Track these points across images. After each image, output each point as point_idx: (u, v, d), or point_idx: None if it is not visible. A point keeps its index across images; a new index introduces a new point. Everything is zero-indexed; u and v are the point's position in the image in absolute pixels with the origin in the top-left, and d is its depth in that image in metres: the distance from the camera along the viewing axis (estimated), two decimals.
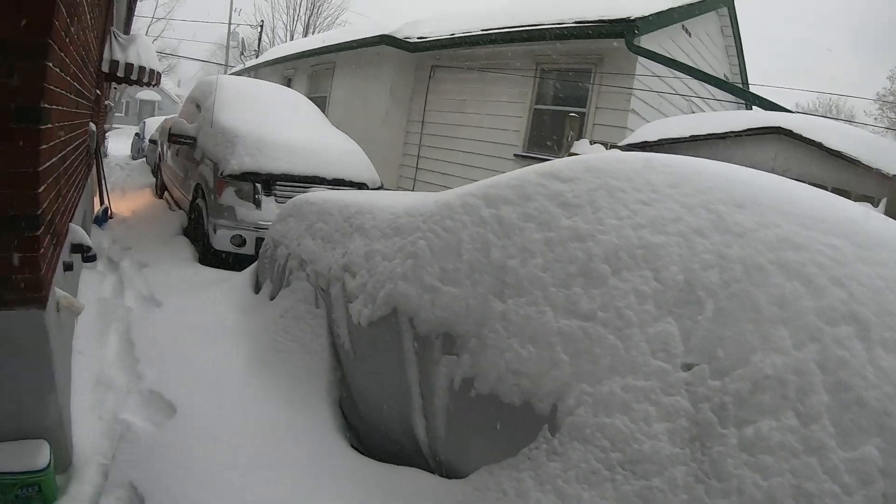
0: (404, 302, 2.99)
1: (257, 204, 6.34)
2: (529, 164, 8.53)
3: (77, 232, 3.98)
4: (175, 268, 6.11)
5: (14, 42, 2.20)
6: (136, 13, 13.64)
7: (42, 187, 2.43)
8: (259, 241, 6.24)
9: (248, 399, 3.51)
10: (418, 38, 11.13)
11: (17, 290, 2.42)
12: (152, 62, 9.50)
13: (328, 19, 36.33)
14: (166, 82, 46.13)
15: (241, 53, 25.46)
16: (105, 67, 8.74)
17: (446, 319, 2.72)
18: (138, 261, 6.31)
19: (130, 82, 9.83)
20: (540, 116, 9.69)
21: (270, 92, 8.77)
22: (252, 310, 4.64)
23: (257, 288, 5.07)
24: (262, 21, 30.32)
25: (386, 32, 11.14)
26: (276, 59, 17.20)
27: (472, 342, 2.57)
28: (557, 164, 2.98)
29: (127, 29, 12.62)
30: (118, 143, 23.46)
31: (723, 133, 7.08)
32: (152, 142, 15.73)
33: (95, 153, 8.32)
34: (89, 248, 4.05)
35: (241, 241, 6.31)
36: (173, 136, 7.53)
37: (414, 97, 11.93)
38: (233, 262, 6.39)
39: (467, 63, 10.67)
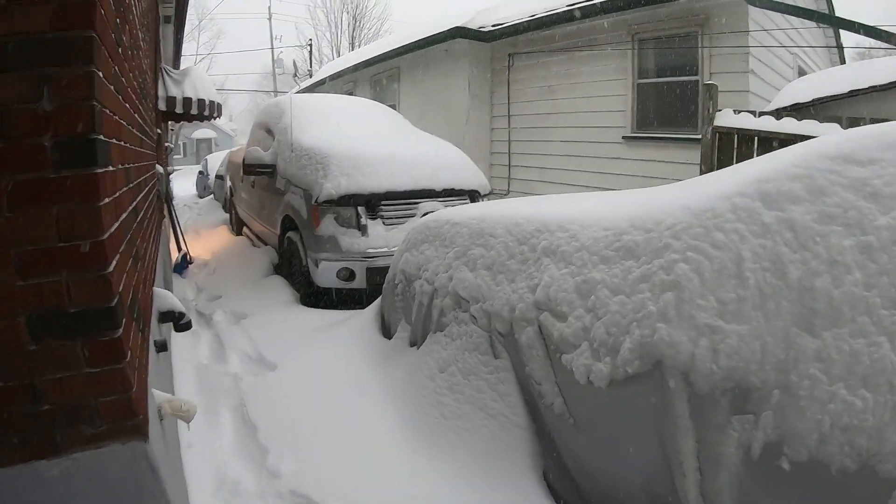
0: (672, 353, 2.09)
1: (362, 230, 5.44)
2: (642, 146, 7.64)
3: (164, 297, 3.20)
4: (277, 315, 5.27)
5: (38, 39, 1.43)
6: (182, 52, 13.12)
7: (113, 263, 1.60)
8: (371, 272, 5.38)
9: (426, 489, 2.70)
10: (493, 25, 10.12)
11: (102, 419, 1.64)
12: (210, 93, 8.80)
13: (372, 30, 35.81)
14: (218, 118, 46.18)
15: (295, 75, 24.88)
16: (162, 105, 8.10)
17: (735, 369, 1.97)
18: (233, 311, 5.51)
19: (191, 118, 9.15)
20: (646, 92, 8.58)
21: (346, 104, 7.96)
22: (390, 360, 3.77)
23: (385, 330, 4.20)
24: (311, 40, 29.82)
25: (459, 24, 10.16)
26: (333, 74, 16.42)
27: (774, 395, 1.88)
28: (843, 142, 2.21)
29: (176, 66, 12.06)
30: (182, 184, 23.35)
31: (885, 84, 6.22)
32: (219, 177, 15.32)
33: (166, 197, 7.61)
34: (182, 314, 3.22)
35: (350, 275, 5.43)
36: (250, 168, 6.68)
37: (494, 91, 10.92)
38: (342, 300, 5.57)
39: (551, 44, 9.63)
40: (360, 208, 5.46)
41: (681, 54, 8.10)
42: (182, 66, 10.68)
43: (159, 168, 5.95)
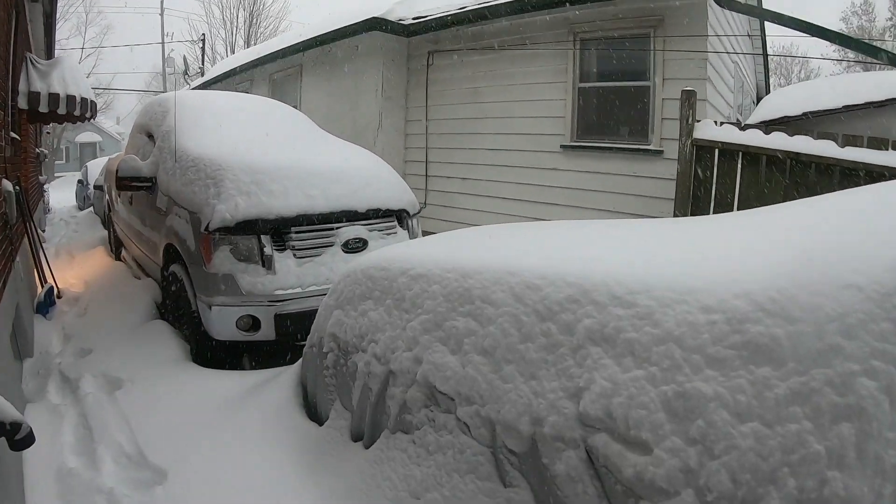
0: None
1: (267, 265, 4.25)
2: (583, 156, 6.65)
3: None
4: (163, 381, 4.01)
5: None
6: (57, 39, 11.46)
7: None
8: (281, 319, 4.19)
9: None
10: (414, 18, 8.94)
11: None
12: (82, 89, 7.37)
13: (269, 28, 34.01)
14: (104, 121, 43.66)
15: (185, 73, 22.94)
16: (23, 103, 6.66)
17: None
18: (105, 375, 4.22)
19: (59, 118, 7.69)
20: (587, 97, 7.63)
21: (244, 104, 6.57)
22: (327, 461, 2.68)
23: (312, 411, 3.12)
24: (204, 35, 27.81)
25: (377, 15, 8.87)
26: (227, 72, 14.77)
27: None
28: None
29: (50, 57, 10.43)
30: (62, 194, 21.46)
31: (883, 100, 5.98)
32: (97, 188, 13.70)
33: (23, 217, 6.16)
34: (16, 426, 2.09)
35: (253, 324, 4.23)
36: (123, 181, 5.29)
37: (411, 93, 9.74)
38: (243, 353, 4.44)
39: (479, 42, 8.58)
40: (263, 237, 4.26)
41: (629, 57, 7.23)
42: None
43: (6, 184, 4.60)
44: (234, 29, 34.16)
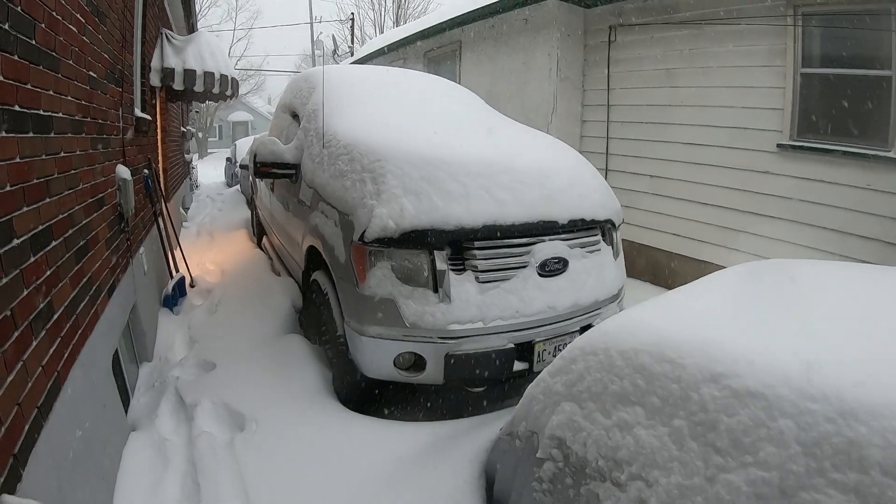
0: None
1: (441, 290, 3.21)
2: (806, 159, 5.34)
3: None
4: (296, 428, 3.16)
5: None
6: (209, 25, 11.11)
7: None
8: (453, 361, 3.15)
9: None
10: None
11: None
12: (222, 66, 6.71)
13: (419, 8, 33.47)
14: (256, 100, 45.16)
15: (335, 53, 22.55)
16: (155, 80, 6.06)
17: None
18: (227, 406, 3.42)
19: (198, 96, 7.10)
20: (813, 86, 6.03)
21: (404, 80, 5.56)
22: None
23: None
24: (353, 14, 27.51)
25: None
26: (377, 50, 13.77)
27: None
28: None
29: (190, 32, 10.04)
30: (212, 170, 22.09)
31: None
32: (243, 167, 13.43)
33: (153, 201, 5.52)
34: None
35: (416, 362, 3.24)
36: (262, 168, 4.40)
37: (587, 73, 8.42)
38: (404, 395, 3.53)
39: (671, 15, 7.17)
40: (437, 253, 3.21)
41: (866, 38, 5.60)
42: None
43: (121, 171, 3.85)
44: (383, 11, 33.99)
